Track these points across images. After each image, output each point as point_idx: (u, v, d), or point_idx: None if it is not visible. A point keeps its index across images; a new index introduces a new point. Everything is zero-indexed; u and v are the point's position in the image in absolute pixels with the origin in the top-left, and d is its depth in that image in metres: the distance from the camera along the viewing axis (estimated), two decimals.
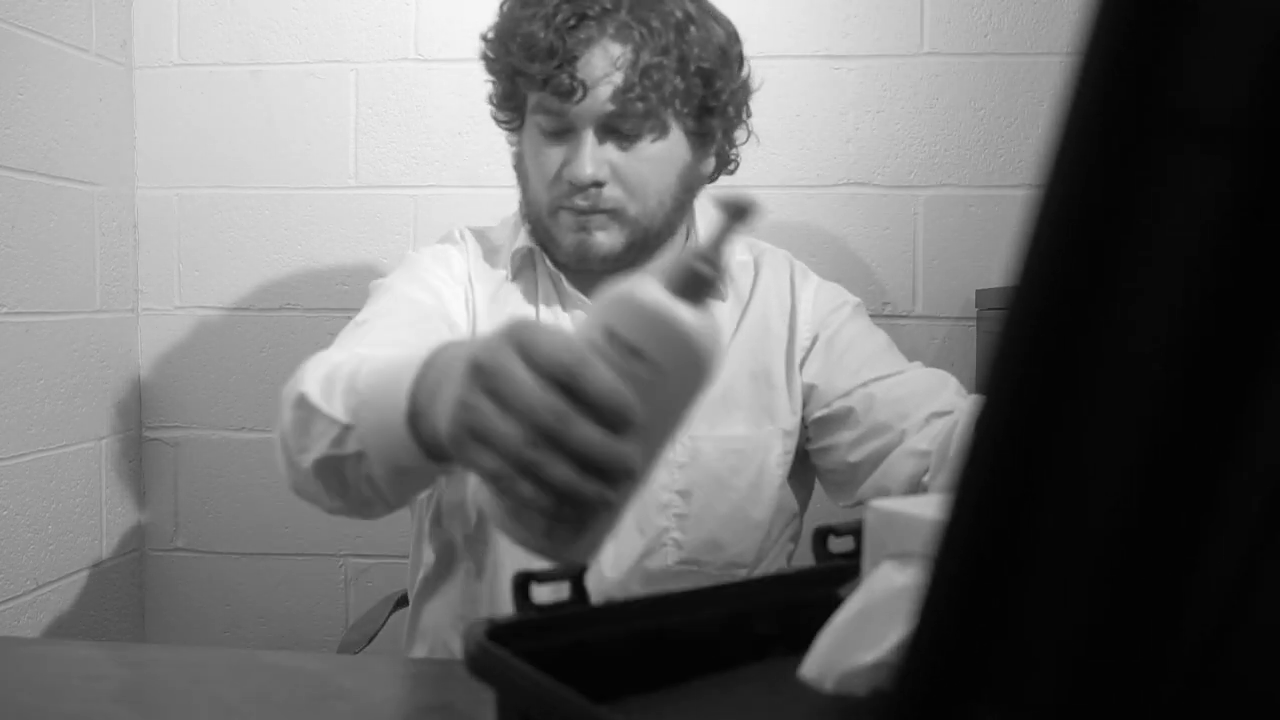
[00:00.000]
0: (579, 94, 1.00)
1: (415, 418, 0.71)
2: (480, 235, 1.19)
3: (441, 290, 1.09)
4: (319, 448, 0.82)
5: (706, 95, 1.05)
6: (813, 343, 1.13)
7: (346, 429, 0.80)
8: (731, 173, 1.16)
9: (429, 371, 0.71)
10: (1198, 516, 0.28)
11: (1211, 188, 0.27)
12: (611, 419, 0.56)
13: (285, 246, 1.84)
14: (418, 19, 1.80)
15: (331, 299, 1.82)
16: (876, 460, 1.08)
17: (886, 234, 1.74)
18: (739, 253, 1.17)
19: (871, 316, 1.85)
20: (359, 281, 1.81)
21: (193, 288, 1.86)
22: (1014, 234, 1.73)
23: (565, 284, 1.12)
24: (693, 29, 1.03)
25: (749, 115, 1.13)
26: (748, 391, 1.12)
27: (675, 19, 1.02)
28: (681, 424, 0.62)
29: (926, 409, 1.05)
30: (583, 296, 1.12)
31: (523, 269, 1.14)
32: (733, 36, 1.09)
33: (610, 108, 1.01)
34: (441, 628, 1.15)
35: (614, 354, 0.58)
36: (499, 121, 1.13)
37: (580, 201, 1.04)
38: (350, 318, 1.02)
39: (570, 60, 1.00)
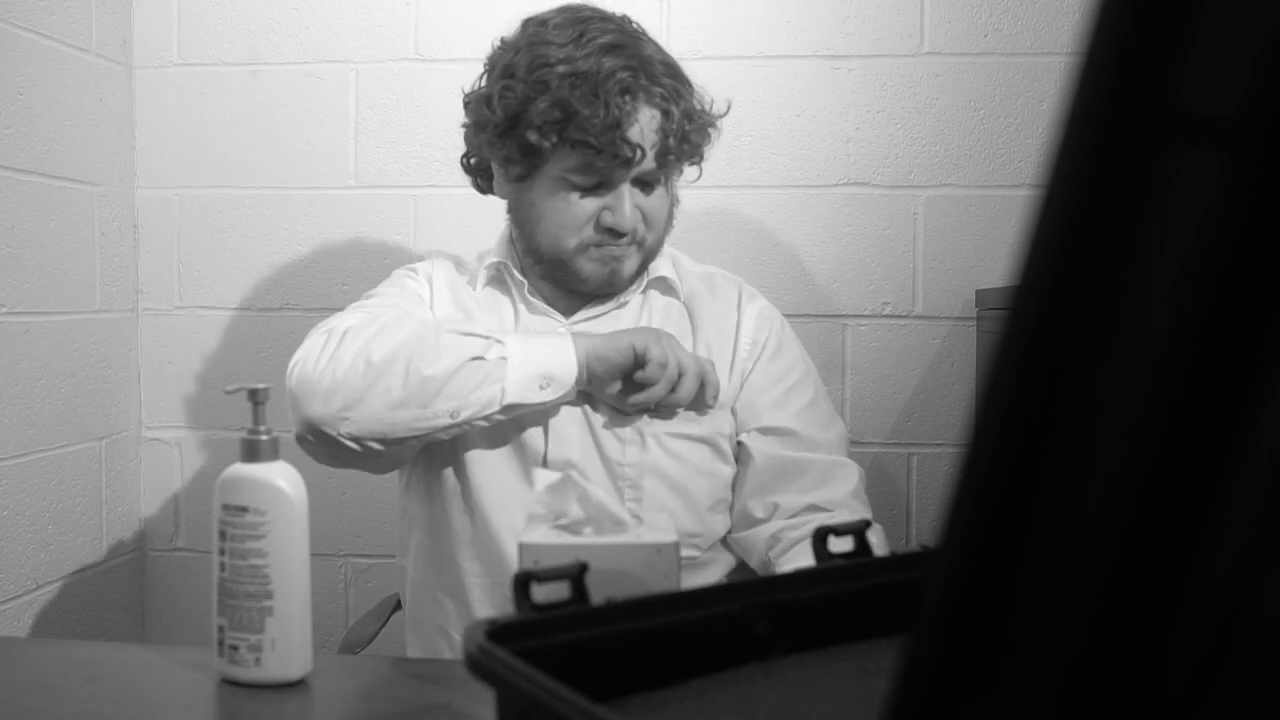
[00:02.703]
0: (637, 157, 1.14)
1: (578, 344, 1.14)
2: (448, 257, 1.35)
3: (419, 293, 1.29)
4: (458, 353, 1.10)
5: (704, 142, 1.22)
6: (751, 347, 1.25)
7: (493, 341, 1.11)
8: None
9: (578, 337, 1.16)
10: (1198, 516, 0.28)
11: (1211, 188, 0.27)
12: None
13: (285, 246, 1.84)
14: (418, 19, 1.80)
15: (331, 299, 1.82)
16: (745, 519, 1.21)
17: (886, 234, 1.74)
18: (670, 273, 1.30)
19: (871, 317, 1.83)
20: (359, 281, 1.81)
21: (193, 288, 1.86)
22: (1014, 234, 1.73)
23: (527, 293, 1.26)
24: (690, 85, 1.20)
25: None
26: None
27: (684, 80, 1.19)
28: (306, 545, 0.84)
29: (810, 498, 1.17)
30: (542, 304, 1.26)
31: (494, 279, 1.28)
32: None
33: (652, 166, 1.17)
34: (424, 625, 1.22)
35: (229, 516, 0.82)
36: (511, 178, 1.21)
37: (618, 242, 1.19)
38: None
39: (624, 130, 1.13)
